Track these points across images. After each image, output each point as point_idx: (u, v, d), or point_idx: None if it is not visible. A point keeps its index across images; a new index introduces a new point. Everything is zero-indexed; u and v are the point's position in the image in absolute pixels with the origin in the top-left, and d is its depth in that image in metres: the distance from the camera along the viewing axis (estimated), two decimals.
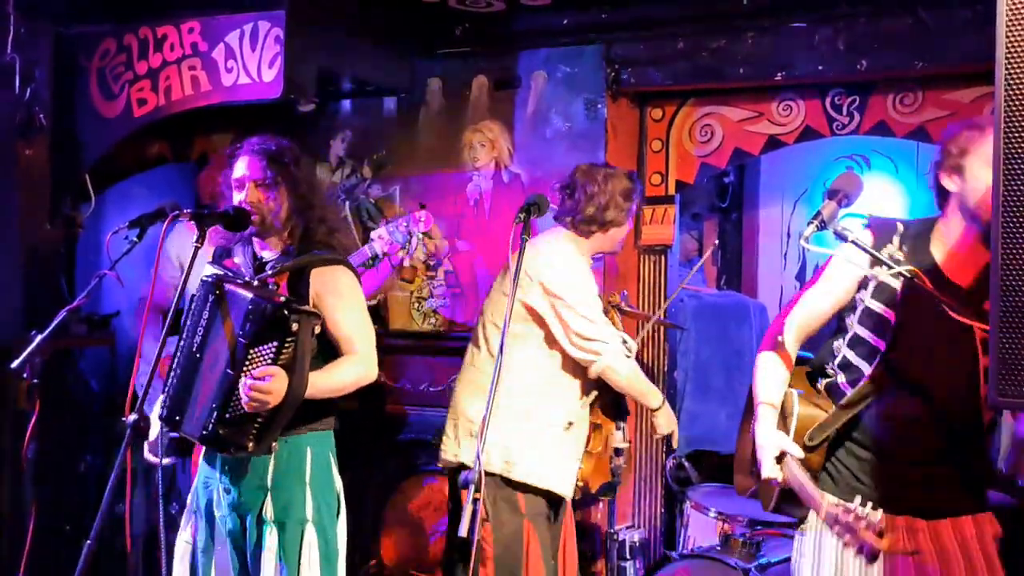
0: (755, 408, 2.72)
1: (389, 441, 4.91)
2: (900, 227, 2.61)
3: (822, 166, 5.95)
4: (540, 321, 3.56)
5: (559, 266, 3.57)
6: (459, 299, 4.91)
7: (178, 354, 3.10)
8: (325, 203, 3.47)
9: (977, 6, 3.82)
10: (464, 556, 3.41)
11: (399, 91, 5.00)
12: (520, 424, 3.53)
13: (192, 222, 3.06)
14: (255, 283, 3.05)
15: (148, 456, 4.05)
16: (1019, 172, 1.90)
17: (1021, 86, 1.89)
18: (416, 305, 4.99)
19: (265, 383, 2.88)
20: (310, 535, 3.10)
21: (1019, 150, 1.89)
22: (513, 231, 3.21)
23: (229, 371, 2.94)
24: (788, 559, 3.67)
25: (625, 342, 3.65)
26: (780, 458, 2.56)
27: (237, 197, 3.18)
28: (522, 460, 3.52)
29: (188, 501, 3.31)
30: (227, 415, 2.93)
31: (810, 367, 2.80)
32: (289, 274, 3.14)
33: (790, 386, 2.73)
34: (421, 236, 4.85)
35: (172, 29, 4.52)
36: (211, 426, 2.94)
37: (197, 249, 2.97)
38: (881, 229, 2.61)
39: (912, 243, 2.58)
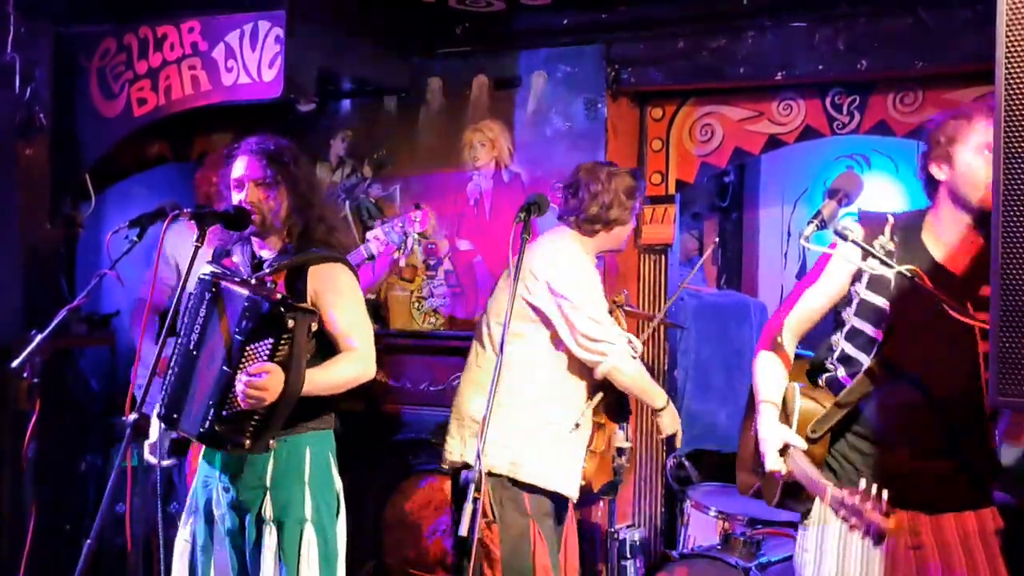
0: (756, 406, 2.74)
1: (389, 440, 4.91)
2: (890, 219, 2.63)
3: (822, 165, 5.96)
4: (547, 321, 3.55)
5: (564, 266, 3.56)
6: (459, 298, 4.91)
7: (175, 352, 3.10)
8: (324, 202, 3.47)
9: (977, 6, 3.82)
10: (476, 555, 3.41)
11: (399, 91, 5.00)
12: (526, 424, 3.53)
13: (191, 222, 3.06)
14: (252, 281, 3.06)
15: (148, 457, 4.05)
16: (1019, 172, 1.90)
17: (1021, 86, 1.89)
18: (416, 305, 4.99)
19: (261, 380, 2.88)
20: (309, 534, 3.10)
21: (1019, 149, 1.89)
22: (513, 230, 3.21)
23: (226, 368, 2.94)
24: (788, 558, 3.69)
25: (630, 342, 3.64)
26: (783, 451, 2.58)
27: (237, 197, 3.18)
28: (528, 461, 3.52)
29: (187, 500, 3.31)
30: (224, 412, 2.93)
31: (810, 365, 2.81)
32: (287, 272, 3.14)
33: (791, 380, 2.74)
34: (417, 236, 4.86)
35: (172, 29, 4.53)
36: (208, 423, 2.94)
37: (197, 248, 2.97)
38: (872, 221, 2.62)
39: (903, 233, 2.60)
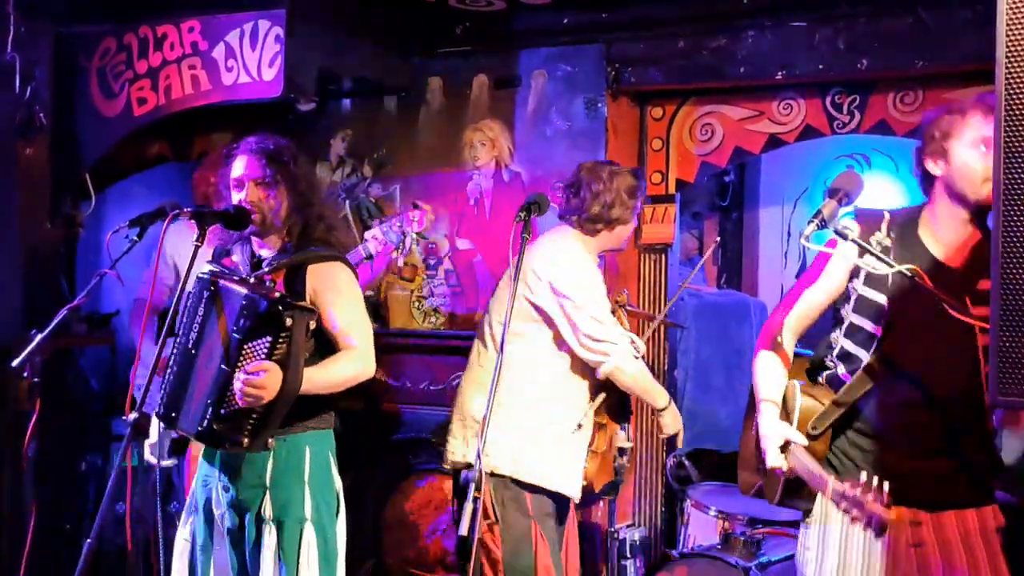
0: (756, 405, 2.75)
1: (389, 440, 4.91)
2: (887, 215, 2.64)
3: (822, 165, 5.96)
4: (549, 321, 3.54)
5: (566, 265, 3.55)
6: (459, 298, 4.91)
7: (174, 351, 3.10)
8: (324, 201, 3.47)
9: (977, 6, 3.82)
10: (475, 556, 3.40)
11: (399, 90, 5.00)
12: (528, 424, 3.52)
13: (191, 221, 3.06)
14: (251, 280, 3.06)
15: (149, 457, 4.05)
16: (1019, 172, 1.90)
17: (1021, 85, 1.89)
18: (416, 304, 4.99)
19: (259, 378, 2.88)
20: (309, 534, 3.10)
21: (1019, 149, 1.89)
22: (513, 230, 3.21)
23: (224, 367, 2.94)
24: (788, 557, 3.70)
25: (633, 342, 3.64)
26: (784, 448, 2.59)
27: (236, 196, 3.18)
28: (531, 461, 3.51)
29: (187, 499, 3.31)
30: (222, 411, 2.93)
31: (809, 363, 2.82)
32: (286, 271, 3.14)
33: (790, 378, 2.75)
34: (415, 236, 4.87)
35: (172, 28, 4.52)
36: (206, 422, 2.94)
37: (197, 248, 2.97)
38: (868, 218, 2.63)
39: (900, 229, 2.61)
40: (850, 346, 2.66)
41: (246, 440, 2.95)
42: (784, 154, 5.04)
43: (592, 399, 3.63)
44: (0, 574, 4.49)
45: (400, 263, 4.99)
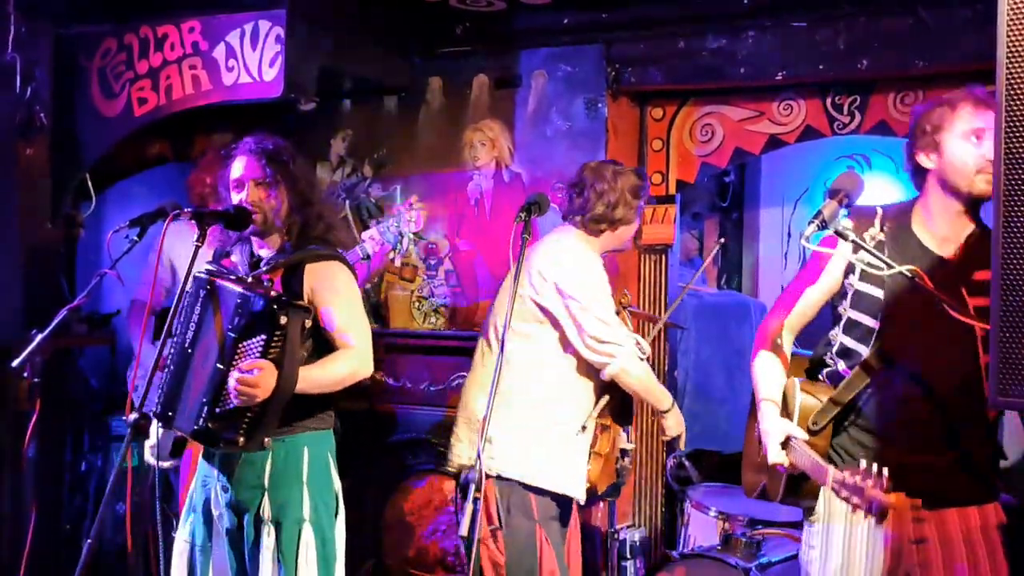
0: (757, 404, 2.76)
1: (389, 440, 4.91)
2: (879, 211, 2.66)
3: (823, 165, 5.96)
4: (555, 322, 3.52)
5: (570, 265, 3.53)
6: (459, 298, 4.90)
7: (171, 350, 3.10)
8: (323, 200, 3.47)
9: (977, 6, 3.82)
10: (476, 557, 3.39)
11: (399, 90, 5.00)
12: (534, 425, 3.50)
13: (191, 222, 3.06)
14: (249, 279, 3.05)
15: (149, 458, 4.05)
16: (1019, 171, 1.90)
17: (1022, 86, 1.89)
18: (416, 304, 4.99)
19: (252, 376, 2.87)
20: (307, 535, 3.10)
21: (1020, 149, 1.89)
22: (514, 230, 3.20)
23: (219, 365, 2.93)
24: (789, 558, 3.70)
25: (638, 344, 3.61)
26: (785, 444, 2.59)
27: (237, 197, 3.18)
28: (538, 463, 3.48)
29: (186, 499, 3.31)
30: (217, 410, 2.93)
31: (809, 363, 2.82)
32: (284, 270, 3.13)
33: (790, 376, 2.77)
34: (412, 236, 4.87)
35: (173, 28, 4.53)
36: (202, 421, 2.93)
37: (198, 248, 2.97)
38: (862, 214, 2.64)
39: (893, 224, 2.63)
40: (849, 342, 2.67)
41: (241, 439, 2.95)
42: (784, 155, 5.04)
43: (597, 400, 3.62)
44: (0, 574, 4.49)
45: (398, 263, 4.99)
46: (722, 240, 4.96)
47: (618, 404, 3.67)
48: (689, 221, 6.07)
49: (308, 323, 3.03)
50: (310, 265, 3.14)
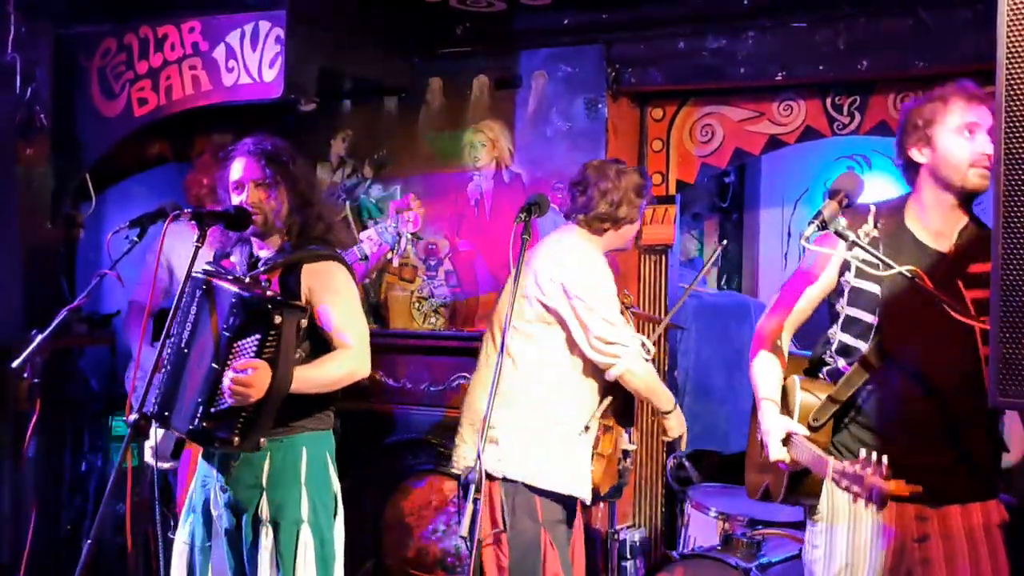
0: (757, 403, 2.76)
1: (389, 440, 4.91)
2: (872, 208, 2.67)
3: (823, 166, 5.95)
4: (562, 323, 3.50)
5: (574, 265, 3.51)
6: (459, 299, 4.90)
7: (167, 350, 3.09)
8: (323, 200, 3.47)
9: (977, 6, 3.82)
10: (476, 559, 3.38)
11: (399, 91, 5.00)
12: (541, 428, 3.49)
13: (191, 223, 3.06)
14: (246, 279, 3.05)
15: (149, 459, 4.05)
16: (1019, 171, 1.90)
17: (1021, 86, 1.89)
18: (416, 305, 4.99)
19: (246, 375, 2.87)
20: (305, 535, 3.09)
21: (1020, 150, 1.89)
22: (514, 231, 3.20)
23: (214, 365, 2.93)
24: (789, 559, 3.70)
25: (643, 344, 3.61)
26: (786, 440, 2.59)
27: (237, 199, 3.17)
28: (543, 464, 3.47)
29: (186, 500, 3.31)
30: (212, 409, 2.93)
31: (808, 363, 2.83)
32: (282, 270, 3.13)
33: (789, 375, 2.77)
34: (409, 236, 4.87)
35: (173, 29, 4.53)
36: (197, 420, 2.93)
37: (198, 249, 2.97)
38: (855, 212, 2.64)
39: (886, 220, 2.64)
40: (848, 339, 2.67)
41: (236, 439, 2.94)
42: (784, 155, 5.04)
43: (600, 400, 3.61)
44: (0, 574, 4.49)
45: (396, 263, 4.99)
46: (724, 243, 4.96)
47: (621, 405, 3.67)
48: (689, 221, 6.06)
49: (304, 323, 3.03)
50: (308, 265, 3.14)
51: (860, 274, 2.63)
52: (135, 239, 3.40)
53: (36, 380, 3.81)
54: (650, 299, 4.65)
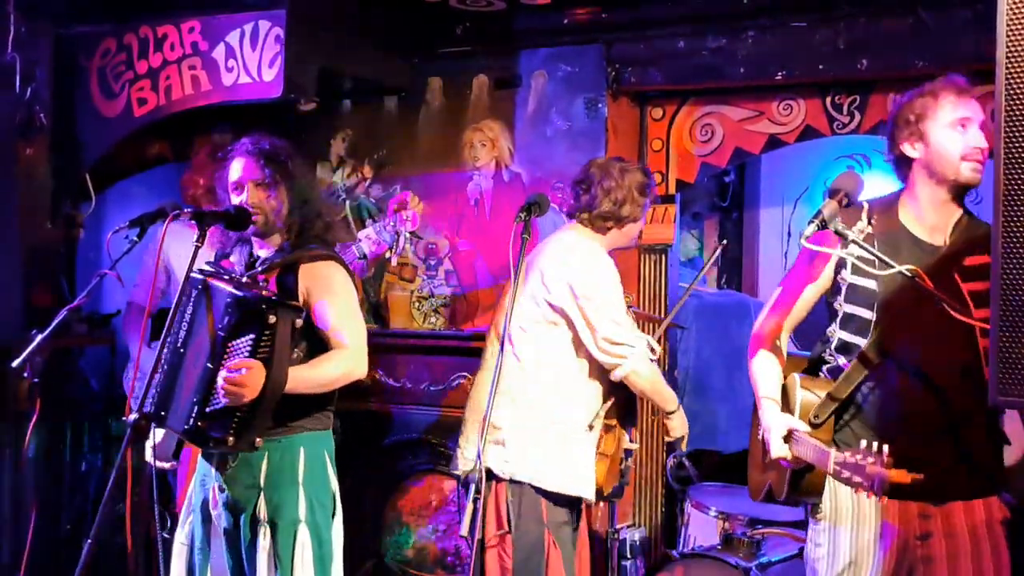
0: (757, 403, 2.77)
1: (389, 440, 4.91)
2: (866, 205, 2.68)
3: (823, 165, 5.95)
4: (569, 322, 3.49)
5: (581, 266, 3.49)
6: (459, 299, 4.90)
7: (164, 350, 3.09)
8: (322, 199, 3.47)
9: (977, 6, 3.81)
10: (476, 559, 3.37)
11: (399, 91, 5.00)
12: (537, 427, 3.48)
13: (191, 222, 3.06)
14: (243, 279, 3.05)
15: (149, 459, 4.05)
16: (1019, 171, 1.90)
17: (1021, 86, 1.89)
18: (416, 305, 4.99)
19: (240, 375, 2.87)
20: (303, 535, 3.09)
21: (1020, 150, 1.89)
22: (514, 231, 3.20)
23: (209, 364, 2.93)
24: (789, 558, 3.70)
25: (649, 344, 3.58)
26: (788, 437, 2.60)
27: (236, 200, 3.17)
28: (550, 466, 3.45)
29: (186, 499, 3.31)
30: (207, 409, 2.93)
31: (808, 363, 2.83)
32: (279, 270, 3.13)
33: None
34: (408, 235, 4.87)
35: (172, 28, 4.52)
36: (192, 420, 2.93)
37: (198, 249, 2.96)
38: (849, 209, 2.64)
39: (880, 216, 2.65)
40: (847, 336, 2.68)
41: (231, 438, 2.94)
42: (784, 155, 5.04)
43: (604, 400, 3.60)
44: (0, 574, 4.49)
45: (395, 262, 4.99)
46: (724, 243, 4.96)
47: (623, 404, 3.66)
48: (689, 221, 6.06)
49: (300, 323, 3.02)
50: (305, 265, 3.14)
51: (856, 271, 2.63)
52: (135, 239, 3.40)
53: (36, 380, 3.81)
54: (650, 299, 4.65)
